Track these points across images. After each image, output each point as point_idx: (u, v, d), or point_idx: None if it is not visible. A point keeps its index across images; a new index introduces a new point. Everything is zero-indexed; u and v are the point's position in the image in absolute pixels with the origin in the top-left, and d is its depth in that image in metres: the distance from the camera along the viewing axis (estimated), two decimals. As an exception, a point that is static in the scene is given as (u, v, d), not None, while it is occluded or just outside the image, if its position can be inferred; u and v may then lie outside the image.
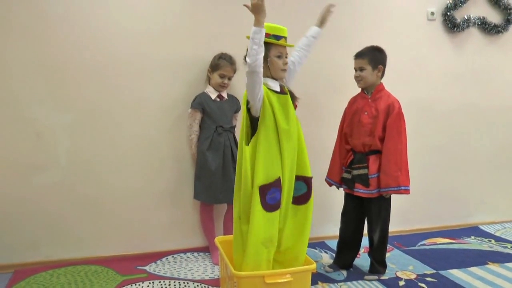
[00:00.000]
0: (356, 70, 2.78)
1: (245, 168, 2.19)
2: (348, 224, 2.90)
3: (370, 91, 2.77)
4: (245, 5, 2.12)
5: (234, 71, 3.02)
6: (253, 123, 2.22)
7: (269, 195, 2.20)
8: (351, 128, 2.80)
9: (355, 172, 2.75)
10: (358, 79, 2.77)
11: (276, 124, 2.21)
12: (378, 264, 2.84)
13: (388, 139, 2.67)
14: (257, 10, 2.07)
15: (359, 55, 2.77)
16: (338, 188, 2.92)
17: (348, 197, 2.88)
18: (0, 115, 2.81)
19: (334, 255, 3.17)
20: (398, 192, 2.65)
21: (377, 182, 2.69)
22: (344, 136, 2.87)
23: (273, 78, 2.28)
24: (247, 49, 2.14)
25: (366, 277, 2.81)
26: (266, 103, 2.18)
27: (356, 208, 2.85)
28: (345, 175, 2.83)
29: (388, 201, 2.78)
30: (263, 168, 2.19)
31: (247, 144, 2.21)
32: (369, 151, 2.73)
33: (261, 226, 2.19)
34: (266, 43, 2.15)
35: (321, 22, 2.62)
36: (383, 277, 2.81)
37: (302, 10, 3.28)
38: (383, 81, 2.80)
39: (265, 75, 2.22)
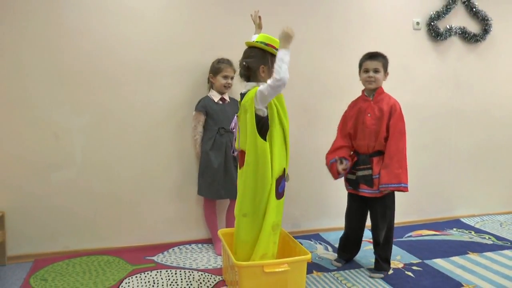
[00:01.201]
0: (368, 70, 2.63)
1: (264, 163, 2.19)
2: (353, 223, 2.84)
3: (372, 94, 2.66)
4: (284, 32, 2.18)
5: (234, 71, 3.03)
6: (261, 122, 2.23)
7: (280, 185, 2.27)
8: (355, 130, 2.70)
9: (360, 173, 2.66)
10: (371, 79, 2.62)
11: (279, 118, 2.25)
12: (383, 262, 2.73)
13: (391, 138, 2.59)
14: (287, 38, 2.17)
15: (374, 57, 2.64)
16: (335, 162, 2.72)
17: (352, 197, 2.81)
18: (22, 118, 2.84)
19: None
20: (398, 189, 2.57)
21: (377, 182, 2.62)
22: (348, 135, 2.75)
23: None
24: (241, 60, 2.30)
25: (372, 274, 2.70)
26: (271, 103, 2.22)
27: (360, 207, 2.79)
28: (349, 176, 2.73)
29: (392, 200, 2.70)
30: (278, 161, 2.24)
31: (265, 140, 2.21)
32: (373, 152, 2.64)
33: (274, 213, 2.25)
34: (272, 54, 2.27)
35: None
36: (371, 266, 2.81)
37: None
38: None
39: (265, 80, 2.27)
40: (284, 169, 2.31)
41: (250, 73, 2.31)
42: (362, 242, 3.29)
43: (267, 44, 2.28)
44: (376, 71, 2.63)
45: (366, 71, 2.66)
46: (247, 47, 2.38)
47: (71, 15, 2.87)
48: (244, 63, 2.31)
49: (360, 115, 2.70)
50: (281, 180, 2.29)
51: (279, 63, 2.13)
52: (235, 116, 2.43)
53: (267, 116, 2.24)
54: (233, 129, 2.45)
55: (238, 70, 2.89)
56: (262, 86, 2.18)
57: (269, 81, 2.15)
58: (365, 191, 2.67)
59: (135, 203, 3.10)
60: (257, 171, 2.22)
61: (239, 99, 2.40)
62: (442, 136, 3.85)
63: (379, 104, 2.64)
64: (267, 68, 2.28)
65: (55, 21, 2.84)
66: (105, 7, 2.93)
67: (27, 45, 2.81)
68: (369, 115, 2.66)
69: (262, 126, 2.23)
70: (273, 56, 2.26)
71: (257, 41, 2.32)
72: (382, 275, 2.68)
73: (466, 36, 3.76)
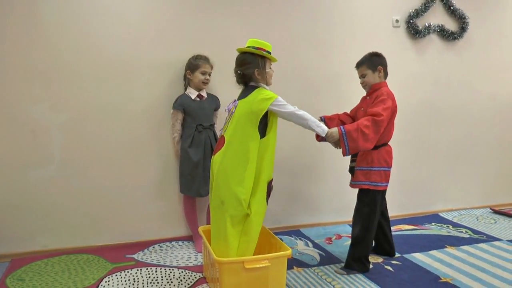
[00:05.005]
0: (360, 78, 2.77)
1: (253, 160, 2.26)
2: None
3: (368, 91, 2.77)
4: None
5: (212, 68, 3.04)
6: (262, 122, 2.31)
7: (270, 190, 2.38)
8: None
9: (351, 164, 2.75)
10: (363, 85, 2.76)
11: (274, 131, 2.38)
12: (354, 261, 2.68)
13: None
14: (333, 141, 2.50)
15: (358, 64, 2.77)
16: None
17: None
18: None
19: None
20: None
21: (359, 175, 2.63)
22: None
23: (267, 85, 2.43)
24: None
25: (336, 270, 2.70)
26: (275, 114, 2.36)
27: None
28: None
29: (370, 198, 2.65)
30: (270, 165, 2.34)
31: (262, 137, 2.29)
32: None
33: (262, 217, 2.35)
34: (263, 57, 2.36)
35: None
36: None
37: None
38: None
39: (263, 82, 2.39)
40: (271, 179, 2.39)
41: (246, 79, 2.38)
42: (342, 237, 3.32)
43: (257, 48, 2.35)
44: (363, 75, 2.74)
45: (359, 78, 2.78)
46: (238, 53, 2.43)
47: (49, 11, 2.81)
48: (238, 71, 2.38)
49: (358, 111, 2.81)
50: (271, 185, 2.37)
51: (310, 123, 2.39)
52: (236, 101, 2.41)
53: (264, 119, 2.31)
54: (228, 110, 2.46)
55: (214, 66, 3.02)
56: (286, 107, 2.32)
57: (294, 114, 2.35)
58: (350, 182, 2.74)
59: (115, 201, 3.07)
60: (245, 165, 2.25)
61: (237, 97, 2.43)
62: (420, 133, 3.89)
63: (371, 99, 2.71)
64: (260, 70, 2.36)
65: (33, 17, 2.78)
66: (83, 3, 2.88)
67: (4, 41, 2.74)
68: (362, 109, 2.75)
69: (263, 126, 2.32)
70: (263, 58, 2.36)
71: (247, 47, 2.37)
72: (344, 273, 2.66)
73: (444, 34, 3.80)
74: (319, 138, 2.71)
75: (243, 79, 2.40)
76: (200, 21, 3.13)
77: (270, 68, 2.43)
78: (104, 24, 2.93)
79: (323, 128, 2.44)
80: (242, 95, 2.39)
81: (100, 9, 2.92)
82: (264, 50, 2.35)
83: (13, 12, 2.74)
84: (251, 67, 2.34)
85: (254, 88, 2.35)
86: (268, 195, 2.37)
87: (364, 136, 2.45)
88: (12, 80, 2.79)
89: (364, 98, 2.82)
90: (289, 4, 3.35)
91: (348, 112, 2.91)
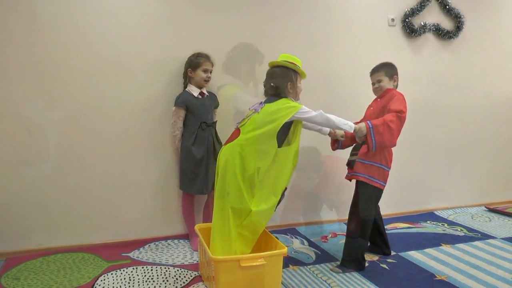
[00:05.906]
0: (374, 83, 2.81)
1: (266, 163, 2.28)
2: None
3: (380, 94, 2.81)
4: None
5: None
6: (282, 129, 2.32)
7: (282, 197, 2.41)
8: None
9: (351, 158, 2.77)
10: (377, 90, 2.80)
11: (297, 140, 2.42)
12: (349, 260, 2.69)
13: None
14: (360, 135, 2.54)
15: (375, 70, 2.82)
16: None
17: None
18: (-7, 113, 2.77)
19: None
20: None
21: (360, 166, 2.65)
22: None
23: (296, 99, 2.48)
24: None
25: (331, 268, 2.71)
26: (299, 124, 2.41)
27: None
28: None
29: (367, 194, 2.67)
30: (290, 174, 2.38)
31: (279, 146, 2.32)
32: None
33: (267, 220, 2.37)
34: (295, 72, 2.43)
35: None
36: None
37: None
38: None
39: (293, 96, 2.45)
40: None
41: (278, 92, 2.42)
42: (338, 235, 3.33)
43: (289, 62, 2.41)
44: (379, 81, 2.79)
45: (373, 84, 2.84)
46: (269, 67, 2.48)
47: (45, 8, 2.79)
48: (271, 83, 2.41)
49: (367, 110, 2.86)
50: (283, 194, 2.41)
51: (337, 122, 2.41)
52: (262, 103, 2.44)
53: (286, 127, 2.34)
54: (252, 108, 2.48)
55: (226, 68, 3.10)
56: (311, 113, 2.36)
57: (321, 116, 2.37)
58: (348, 173, 2.76)
59: (110, 199, 3.05)
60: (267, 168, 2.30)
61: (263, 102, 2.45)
62: (416, 131, 3.88)
63: (384, 100, 2.74)
64: (292, 84, 2.42)
65: (28, 14, 2.76)
66: (80, 0, 2.86)
67: (2, 39, 2.72)
68: (371, 108, 2.80)
69: (281, 134, 2.33)
70: (295, 72, 2.43)
71: (280, 61, 2.43)
72: (340, 271, 2.67)
73: (440, 33, 3.81)
74: (334, 146, 2.86)
75: (274, 91, 2.42)
76: (197, 19, 3.12)
77: (300, 83, 2.48)
78: (100, 22, 2.91)
79: (350, 125, 2.47)
80: (269, 100, 2.43)
81: (97, 7, 2.90)
82: (295, 65, 2.41)
83: (8, 10, 2.72)
84: (284, 81, 2.39)
85: (282, 97, 2.40)
86: (279, 201, 2.39)
87: (391, 131, 2.51)
88: (7, 78, 2.76)
89: (375, 100, 2.85)
90: (286, 2, 3.35)
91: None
